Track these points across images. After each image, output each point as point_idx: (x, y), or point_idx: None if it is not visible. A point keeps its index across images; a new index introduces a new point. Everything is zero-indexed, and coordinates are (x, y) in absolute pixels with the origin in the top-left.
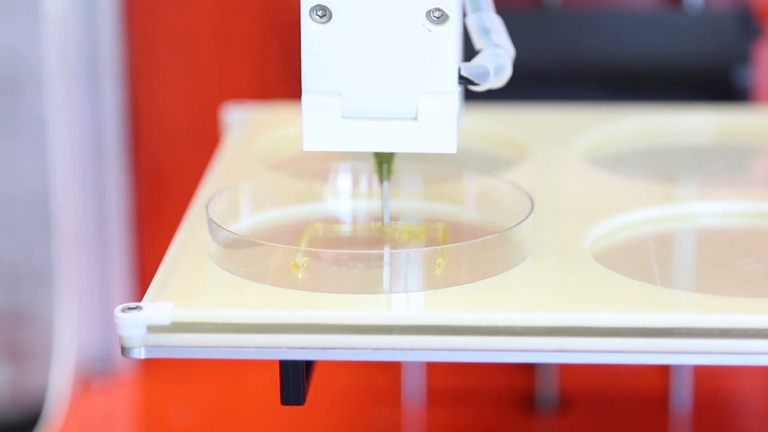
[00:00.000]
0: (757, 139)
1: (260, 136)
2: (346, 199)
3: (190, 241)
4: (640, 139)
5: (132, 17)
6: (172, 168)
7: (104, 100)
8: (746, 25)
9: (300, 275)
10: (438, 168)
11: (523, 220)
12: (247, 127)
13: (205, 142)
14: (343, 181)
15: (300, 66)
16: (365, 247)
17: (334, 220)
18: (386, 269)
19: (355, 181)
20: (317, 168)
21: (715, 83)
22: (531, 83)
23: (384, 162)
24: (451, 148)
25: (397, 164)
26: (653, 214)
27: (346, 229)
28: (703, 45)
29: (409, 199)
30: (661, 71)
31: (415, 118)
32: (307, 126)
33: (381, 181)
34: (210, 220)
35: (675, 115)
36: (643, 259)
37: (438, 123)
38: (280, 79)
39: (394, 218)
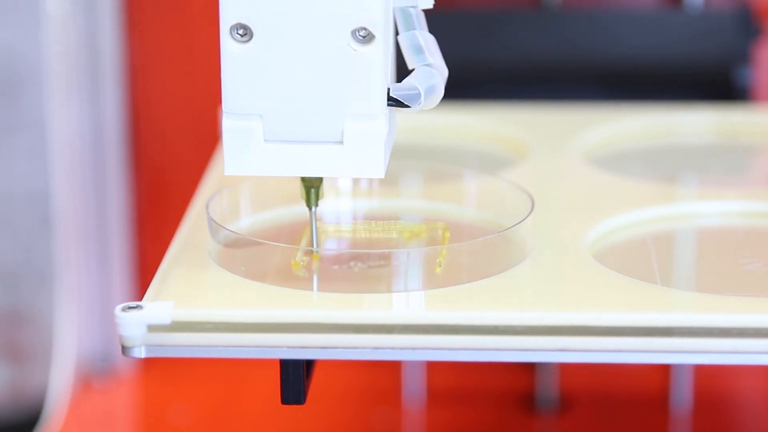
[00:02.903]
0: (757, 139)
1: None
2: (347, 198)
3: (190, 241)
4: (640, 139)
5: (132, 17)
6: (172, 168)
7: (104, 100)
8: (746, 25)
9: (300, 275)
10: (438, 168)
11: (523, 220)
12: None
13: (205, 142)
14: (344, 180)
15: None
16: (365, 246)
17: (335, 219)
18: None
19: (355, 180)
20: None
21: (715, 83)
22: (531, 83)
23: (312, 187)
24: (378, 173)
25: (397, 163)
26: (653, 214)
27: (346, 228)
28: (703, 45)
29: (409, 199)
30: (661, 71)
31: (341, 142)
32: (228, 150)
33: (308, 206)
34: (210, 220)
35: (675, 114)
36: (643, 259)
37: (365, 147)
38: None
39: (394, 217)
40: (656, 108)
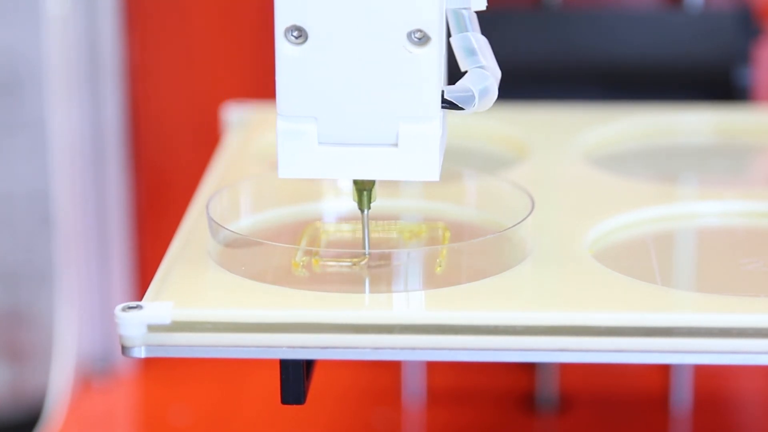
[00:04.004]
0: (757, 139)
1: (260, 135)
2: (347, 199)
3: (190, 241)
4: (640, 139)
5: (132, 17)
6: (172, 168)
7: (104, 100)
8: (746, 25)
9: (300, 275)
10: None
11: (524, 220)
12: (247, 126)
13: (205, 141)
14: (344, 180)
15: None
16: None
17: (335, 220)
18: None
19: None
20: None
21: (715, 83)
22: (531, 83)
23: (365, 190)
24: (433, 175)
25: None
26: (653, 214)
27: (346, 227)
28: (703, 45)
29: (409, 199)
30: (661, 71)
31: (396, 145)
32: (282, 152)
33: (361, 209)
34: (210, 220)
35: (675, 114)
36: (643, 259)
37: (419, 150)
38: None
39: (394, 217)
40: (656, 108)
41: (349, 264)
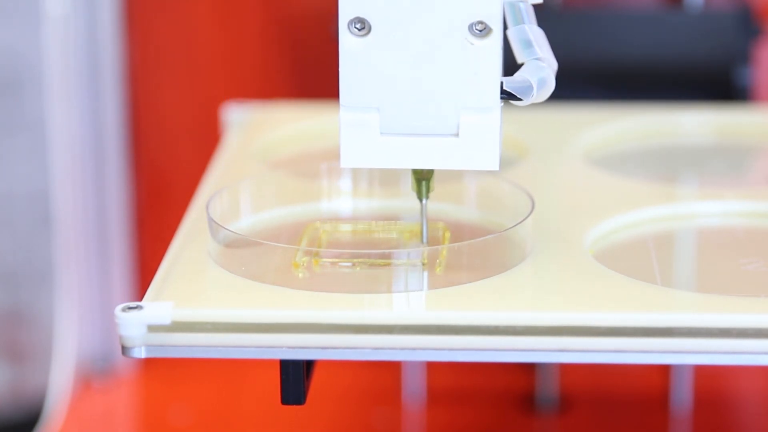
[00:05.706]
0: (757, 139)
1: (261, 135)
2: (347, 198)
3: (190, 241)
4: (640, 139)
5: (132, 17)
6: (172, 168)
7: (104, 100)
8: (746, 25)
9: (300, 275)
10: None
11: (524, 220)
12: (247, 126)
13: (205, 142)
14: (344, 180)
15: (301, 65)
16: (366, 246)
17: (335, 220)
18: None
19: (356, 180)
20: (317, 167)
21: (715, 83)
22: None
23: (423, 179)
24: (493, 165)
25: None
26: (653, 214)
27: (346, 228)
28: (703, 44)
29: (409, 199)
30: (661, 71)
31: (457, 135)
32: (344, 142)
33: (420, 199)
34: (210, 220)
35: (675, 115)
36: (643, 259)
37: (480, 139)
38: (281, 78)
39: (394, 217)
40: (656, 108)
41: (350, 264)
